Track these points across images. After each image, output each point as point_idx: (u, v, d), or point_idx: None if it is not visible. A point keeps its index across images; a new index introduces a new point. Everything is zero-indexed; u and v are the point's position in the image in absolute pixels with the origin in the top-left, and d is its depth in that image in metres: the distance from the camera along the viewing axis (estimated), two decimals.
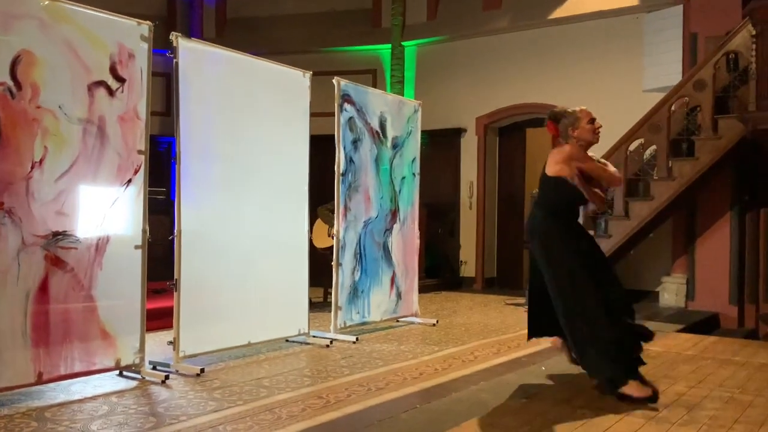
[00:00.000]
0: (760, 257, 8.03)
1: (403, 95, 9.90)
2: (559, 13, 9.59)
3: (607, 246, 7.92)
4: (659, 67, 8.78)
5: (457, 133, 10.57)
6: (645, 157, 8.14)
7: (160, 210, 7.72)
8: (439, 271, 10.33)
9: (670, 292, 8.48)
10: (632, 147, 8.01)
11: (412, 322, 6.83)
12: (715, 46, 7.70)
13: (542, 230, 4.11)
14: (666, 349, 5.66)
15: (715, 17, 8.09)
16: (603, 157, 7.96)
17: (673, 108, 7.79)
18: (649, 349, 5.60)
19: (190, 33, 10.91)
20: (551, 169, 4.04)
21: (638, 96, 8.77)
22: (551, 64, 9.73)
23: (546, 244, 4.07)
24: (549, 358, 5.24)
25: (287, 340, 5.60)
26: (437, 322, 6.84)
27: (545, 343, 5.88)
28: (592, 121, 4.05)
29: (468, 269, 10.51)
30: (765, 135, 6.85)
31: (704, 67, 7.58)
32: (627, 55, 9.13)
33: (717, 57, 7.54)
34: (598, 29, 9.40)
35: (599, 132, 4.09)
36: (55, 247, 3.88)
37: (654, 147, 7.96)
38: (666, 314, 7.82)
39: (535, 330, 4.40)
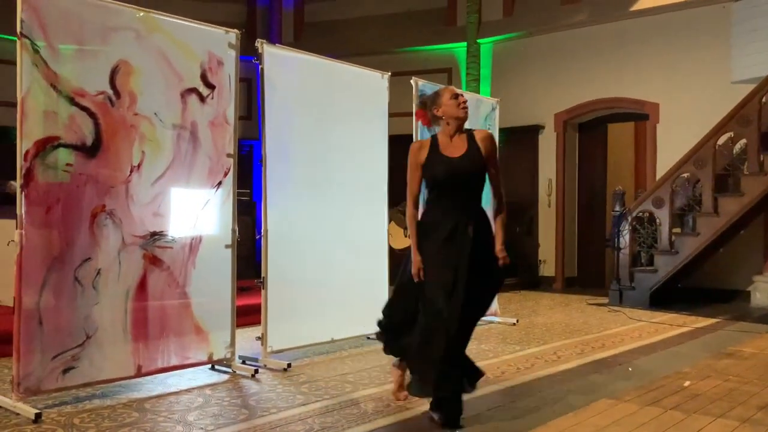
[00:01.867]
0: None
1: (479, 93, 9.86)
2: (640, 4, 9.33)
3: (695, 244, 7.68)
4: (748, 57, 8.42)
5: (535, 130, 10.44)
6: (735, 151, 7.84)
7: (244, 211, 7.96)
8: (517, 271, 10.21)
9: (762, 292, 8.13)
10: (721, 141, 7.73)
11: (492, 321, 6.80)
12: None
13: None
14: (759, 350, 5.44)
15: None
16: (691, 152, 7.73)
17: (763, 100, 7.47)
18: (741, 350, 5.43)
19: (270, 38, 11.20)
20: None
21: (726, 88, 8.45)
22: (633, 57, 9.49)
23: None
24: (635, 358, 5.14)
25: (368, 338, 5.68)
26: (517, 321, 6.79)
27: (631, 343, 5.78)
28: (456, 96, 3.61)
29: (547, 268, 10.36)
30: None
31: None
32: (713, 45, 8.80)
33: None
34: (682, 20, 9.09)
35: (465, 106, 3.62)
36: (153, 246, 4.09)
37: (744, 141, 7.65)
38: (758, 314, 7.51)
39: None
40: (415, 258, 3.59)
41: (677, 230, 8.11)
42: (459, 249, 3.51)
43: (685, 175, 7.96)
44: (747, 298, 8.29)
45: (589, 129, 10.42)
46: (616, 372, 4.70)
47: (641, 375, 4.53)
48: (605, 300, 8.32)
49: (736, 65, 8.56)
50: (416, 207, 3.74)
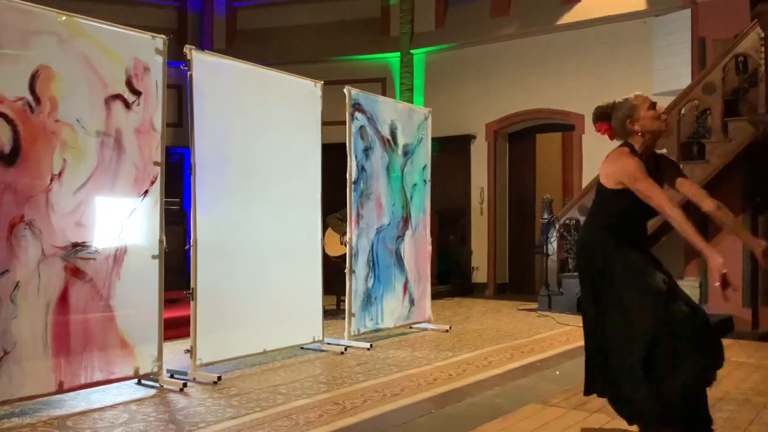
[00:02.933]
0: None
1: (412, 103, 9.96)
2: (566, 18, 9.64)
3: None
4: (668, 70, 8.79)
5: (467, 139, 10.61)
6: None
7: (174, 220, 7.81)
8: (450, 278, 10.35)
9: None
10: None
11: (426, 329, 6.86)
12: (724, 50, 7.71)
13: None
14: None
15: (723, 20, 8.10)
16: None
17: (683, 112, 7.80)
18: None
19: (201, 45, 11.03)
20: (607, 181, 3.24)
21: None
22: (560, 70, 9.77)
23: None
24: (563, 362, 5.27)
25: (302, 348, 5.65)
26: (450, 328, 6.87)
27: (559, 347, 5.92)
28: (653, 105, 3.23)
29: (480, 275, 10.52)
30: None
31: (713, 70, 7.59)
32: (635, 59, 9.15)
33: (726, 60, 7.55)
34: (606, 34, 9.43)
35: (666, 118, 3.28)
36: (75, 257, 3.95)
37: (665, 150, 7.96)
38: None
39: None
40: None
41: None
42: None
43: None
44: None
45: (519, 139, 10.67)
46: (545, 376, 4.81)
47: (568, 378, 4.65)
48: (535, 305, 8.51)
49: (657, 78, 8.92)
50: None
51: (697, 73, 8.17)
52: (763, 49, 6.86)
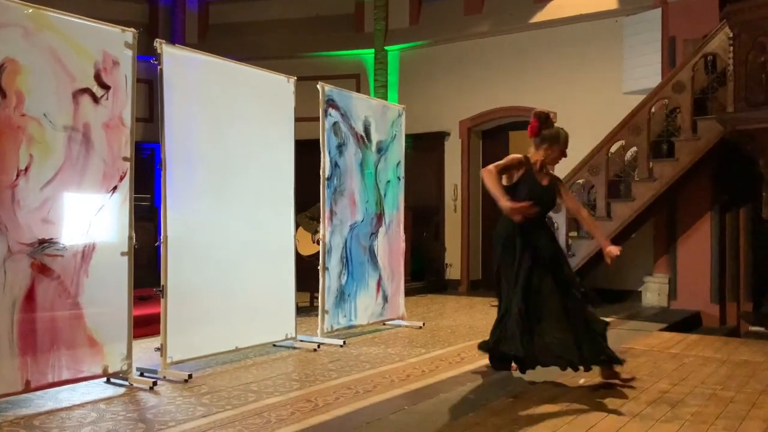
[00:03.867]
0: (740, 256, 8.16)
1: (386, 100, 9.95)
2: (539, 17, 9.70)
3: (589, 248, 8.02)
4: (639, 69, 8.89)
5: (441, 136, 10.64)
6: (626, 158, 8.24)
7: (144, 217, 7.72)
8: (424, 274, 10.37)
9: (653, 292, 8.59)
10: (613, 149, 8.11)
11: (399, 325, 6.86)
12: (694, 49, 7.84)
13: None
14: (649, 348, 5.74)
15: (693, 20, 8.22)
16: (585, 159, 8.08)
17: (653, 110, 7.90)
18: (633, 348, 5.70)
19: (173, 39, 10.90)
20: None
21: (618, 98, 8.88)
22: (533, 68, 9.83)
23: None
24: None
25: (274, 345, 5.62)
26: (424, 324, 6.88)
27: None
28: (564, 154, 4.34)
29: (453, 272, 10.56)
30: (743, 136, 6.97)
31: (683, 69, 7.70)
32: (607, 58, 9.24)
33: (695, 59, 7.66)
34: (578, 33, 9.51)
35: (557, 162, 4.40)
36: (42, 254, 3.88)
37: (635, 148, 8.06)
38: (648, 313, 7.93)
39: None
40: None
41: (573, 234, 8.44)
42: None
43: (581, 181, 8.30)
44: (638, 297, 8.74)
45: (492, 136, 10.72)
46: (517, 372, 4.83)
47: (539, 374, 4.67)
48: None
49: (628, 77, 9.02)
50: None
51: (667, 72, 8.28)
52: (731, 48, 6.97)
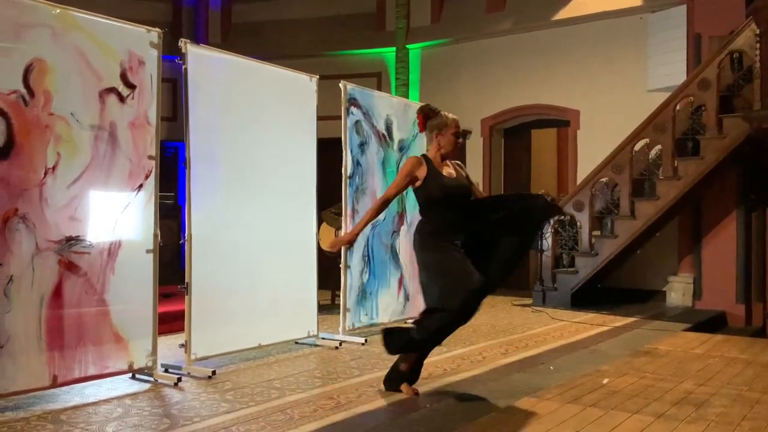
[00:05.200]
0: (767, 255, 8.05)
1: (407, 98, 9.94)
2: (562, 14, 9.63)
3: (613, 246, 7.96)
4: (663, 67, 8.80)
5: (463, 134, 10.51)
6: (650, 156, 8.17)
7: (168, 215, 7.78)
8: None
9: (677, 292, 8.50)
10: (637, 147, 8.05)
11: None
12: (719, 46, 7.73)
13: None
14: (674, 348, 5.69)
15: (719, 17, 8.11)
16: (609, 157, 8.01)
17: (677, 107, 7.82)
18: (658, 348, 5.65)
19: (196, 38, 10.98)
20: None
21: (643, 96, 8.80)
22: (555, 65, 9.77)
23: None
24: (557, 357, 5.28)
25: (296, 343, 5.65)
26: None
27: (553, 342, 5.94)
28: (457, 135, 4.16)
29: None
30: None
31: (708, 66, 7.61)
32: (631, 55, 9.16)
33: (721, 56, 7.56)
34: (602, 30, 9.42)
35: (457, 147, 4.20)
36: (69, 252, 3.94)
37: (659, 147, 7.99)
38: (673, 313, 7.85)
39: None
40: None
41: (597, 233, 8.39)
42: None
43: (604, 179, 8.25)
44: (663, 297, 8.65)
45: (514, 134, 10.67)
46: (539, 371, 4.82)
47: (562, 373, 4.66)
48: (529, 301, 8.52)
49: (652, 74, 8.93)
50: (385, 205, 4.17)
51: (692, 70, 8.19)
52: (758, 45, 6.88)
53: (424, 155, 4.16)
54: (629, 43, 9.18)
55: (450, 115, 4.18)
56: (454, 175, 4.12)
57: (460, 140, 4.22)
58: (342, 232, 6.06)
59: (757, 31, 6.90)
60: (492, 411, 3.77)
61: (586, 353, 5.54)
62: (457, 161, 4.28)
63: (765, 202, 7.93)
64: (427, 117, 4.18)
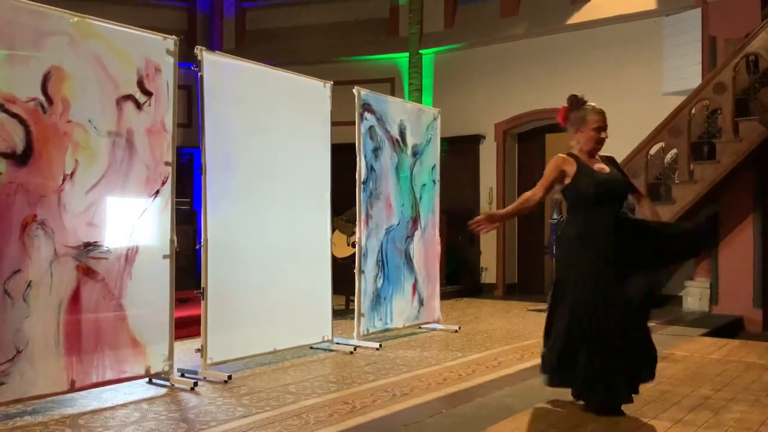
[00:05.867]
0: None
1: (421, 103, 9.96)
2: (576, 18, 9.61)
3: None
4: (678, 70, 8.76)
5: (476, 139, 10.60)
6: (666, 160, 8.12)
7: (184, 220, 7.83)
8: (459, 278, 10.34)
9: (694, 297, 8.43)
10: (653, 151, 8.00)
11: (435, 329, 6.86)
12: (735, 49, 7.68)
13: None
14: (690, 353, 5.64)
15: (734, 20, 8.06)
16: (624, 161, 7.99)
17: (693, 111, 7.77)
18: (674, 353, 5.61)
19: (211, 45, 11.07)
20: None
21: (658, 99, 8.75)
22: (570, 69, 9.74)
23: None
24: None
25: (311, 347, 5.66)
26: (459, 328, 6.87)
27: None
28: (598, 129, 3.75)
29: (488, 275, 10.51)
30: None
31: (724, 70, 7.56)
32: (646, 58, 9.12)
33: (736, 60, 7.51)
34: (617, 33, 9.39)
35: (601, 144, 3.80)
36: (86, 257, 3.98)
37: (675, 150, 7.94)
38: (690, 318, 7.78)
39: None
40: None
41: None
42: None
43: None
44: (679, 302, 8.58)
45: (528, 139, 10.64)
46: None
47: None
48: (544, 305, 8.43)
49: (667, 78, 8.89)
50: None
51: (707, 73, 8.14)
52: None
53: (570, 153, 3.82)
54: (644, 46, 9.14)
55: (592, 108, 3.79)
56: (607, 170, 3.77)
57: (605, 135, 3.79)
58: (355, 238, 6.06)
59: None
60: (507, 417, 3.75)
61: None
62: (609, 155, 3.92)
63: None
64: (570, 108, 3.83)
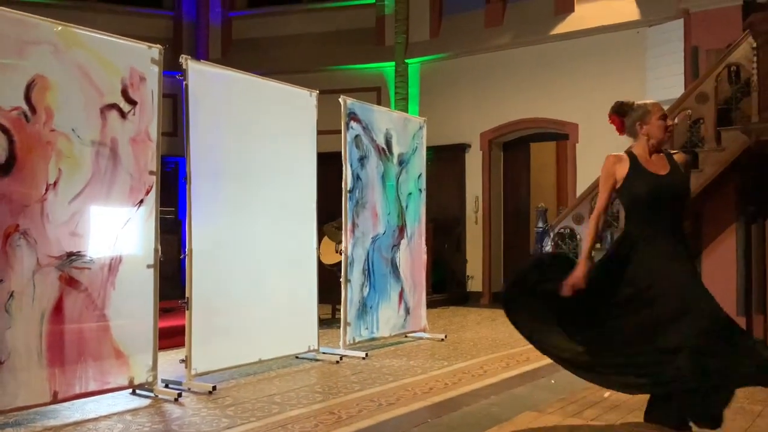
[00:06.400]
0: (767, 267, 8.04)
1: (407, 112, 9.99)
2: (560, 28, 9.70)
3: None
4: (662, 80, 8.84)
5: (462, 148, 10.64)
6: None
7: (169, 229, 7.79)
8: (446, 287, 10.35)
9: None
10: None
11: (421, 338, 6.86)
12: (717, 59, 7.76)
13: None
14: None
15: (716, 30, 8.16)
16: None
17: (676, 121, 7.83)
18: None
19: (196, 54, 11.05)
20: None
21: None
22: (554, 79, 9.82)
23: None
24: (558, 371, 5.26)
25: (297, 357, 5.64)
26: (446, 337, 6.87)
27: None
28: (664, 117, 3.55)
29: (475, 284, 10.53)
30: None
31: (706, 79, 7.63)
32: (629, 68, 9.20)
33: (719, 70, 7.59)
34: (600, 44, 9.48)
35: (671, 130, 3.60)
36: (69, 267, 3.94)
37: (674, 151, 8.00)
38: None
39: None
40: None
41: (598, 245, 8.38)
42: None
43: None
44: None
45: (513, 148, 10.70)
46: (540, 385, 4.81)
47: (563, 387, 4.65)
48: None
49: (651, 87, 8.97)
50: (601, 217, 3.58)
51: (690, 83, 8.22)
52: (755, 58, 6.91)
53: (627, 151, 3.57)
54: (627, 56, 9.23)
55: (645, 102, 3.60)
56: (667, 169, 3.48)
57: (672, 122, 3.62)
58: (342, 246, 6.06)
59: (754, 45, 6.93)
60: (493, 425, 3.76)
61: None
62: (676, 150, 3.71)
63: (764, 213, 7.94)
64: (623, 114, 3.61)
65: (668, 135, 3.57)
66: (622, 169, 3.50)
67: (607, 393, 4.42)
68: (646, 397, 4.36)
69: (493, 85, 10.35)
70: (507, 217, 10.72)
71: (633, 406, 4.14)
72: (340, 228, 7.04)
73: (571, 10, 9.72)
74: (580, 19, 9.54)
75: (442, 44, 10.78)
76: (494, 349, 6.23)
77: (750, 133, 7.10)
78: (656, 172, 3.47)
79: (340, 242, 6.52)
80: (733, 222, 8.13)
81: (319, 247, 5.96)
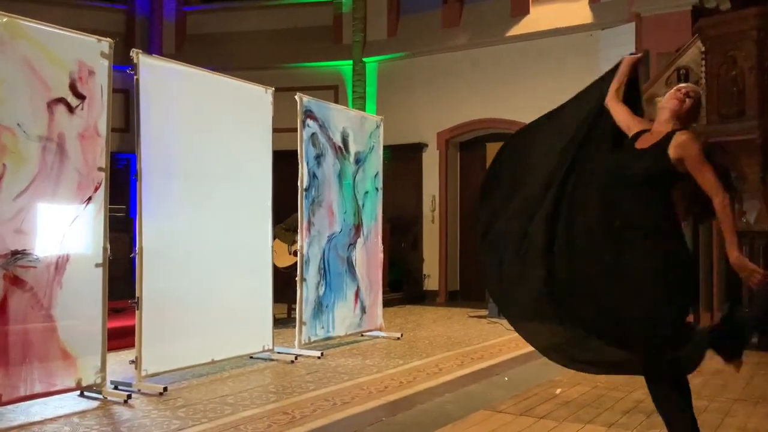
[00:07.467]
0: (714, 267, 8.26)
1: (364, 111, 9.97)
2: (516, 30, 9.81)
3: None
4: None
5: (419, 147, 10.67)
6: None
7: (120, 228, 7.63)
8: (402, 285, 10.37)
9: None
10: None
11: (377, 336, 6.85)
12: (667, 63, 7.95)
13: None
14: None
15: (666, 34, 8.35)
16: None
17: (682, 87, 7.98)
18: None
19: (150, 49, 10.84)
20: None
21: None
22: (510, 80, 9.92)
23: None
24: (512, 368, 5.32)
25: (251, 357, 5.57)
26: (402, 335, 6.88)
27: (508, 353, 5.99)
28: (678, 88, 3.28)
29: (431, 283, 10.57)
30: (715, 148, 7.07)
31: (656, 83, 7.81)
32: (583, 70, 9.32)
33: (668, 73, 7.77)
34: (555, 46, 9.62)
35: (680, 96, 3.26)
36: (14, 266, 3.82)
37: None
38: None
39: None
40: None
41: None
42: None
43: None
44: None
45: (470, 147, 10.78)
46: (494, 382, 4.85)
47: (517, 384, 4.70)
48: (485, 312, 8.58)
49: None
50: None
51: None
52: (703, 62, 7.09)
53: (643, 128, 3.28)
54: (581, 58, 9.37)
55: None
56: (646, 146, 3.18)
57: (683, 90, 3.29)
58: (297, 246, 6.01)
59: (703, 49, 7.11)
60: (447, 423, 3.77)
61: (540, 364, 5.56)
62: (675, 131, 3.25)
63: (710, 214, 8.14)
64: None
65: (675, 100, 3.22)
66: (630, 129, 3.23)
67: (558, 390, 4.49)
68: (596, 393, 4.45)
69: (450, 85, 10.41)
70: (463, 216, 10.79)
71: (584, 402, 4.22)
72: (289, 229, 7.00)
73: (527, 12, 9.84)
74: (535, 21, 9.66)
75: (400, 43, 10.80)
76: (449, 348, 6.26)
77: (699, 135, 7.27)
78: (639, 146, 3.16)
79: (292, 243, 6.48)
80: (683, 221, 8.30)
81: (272, 249, 5.89)
